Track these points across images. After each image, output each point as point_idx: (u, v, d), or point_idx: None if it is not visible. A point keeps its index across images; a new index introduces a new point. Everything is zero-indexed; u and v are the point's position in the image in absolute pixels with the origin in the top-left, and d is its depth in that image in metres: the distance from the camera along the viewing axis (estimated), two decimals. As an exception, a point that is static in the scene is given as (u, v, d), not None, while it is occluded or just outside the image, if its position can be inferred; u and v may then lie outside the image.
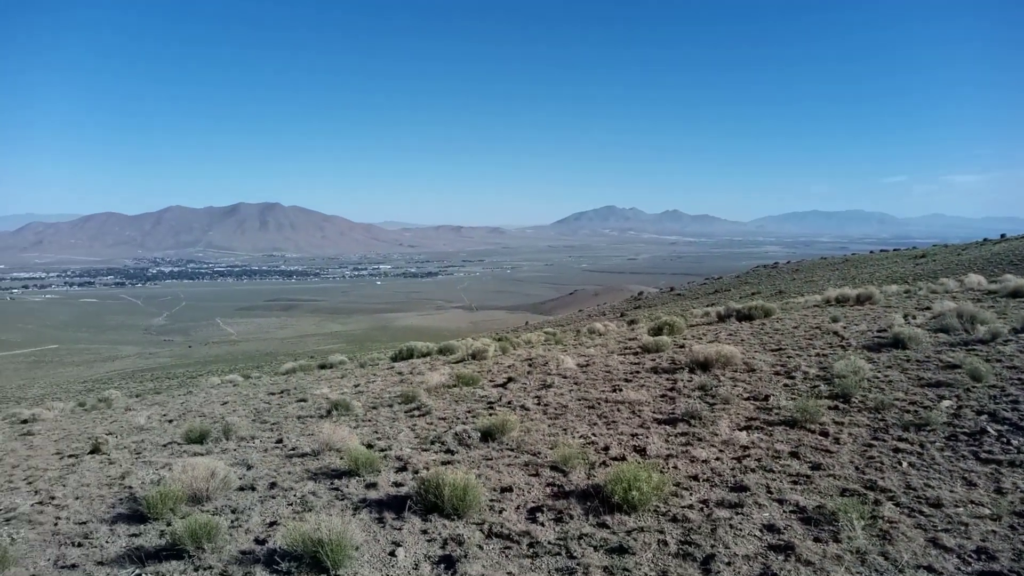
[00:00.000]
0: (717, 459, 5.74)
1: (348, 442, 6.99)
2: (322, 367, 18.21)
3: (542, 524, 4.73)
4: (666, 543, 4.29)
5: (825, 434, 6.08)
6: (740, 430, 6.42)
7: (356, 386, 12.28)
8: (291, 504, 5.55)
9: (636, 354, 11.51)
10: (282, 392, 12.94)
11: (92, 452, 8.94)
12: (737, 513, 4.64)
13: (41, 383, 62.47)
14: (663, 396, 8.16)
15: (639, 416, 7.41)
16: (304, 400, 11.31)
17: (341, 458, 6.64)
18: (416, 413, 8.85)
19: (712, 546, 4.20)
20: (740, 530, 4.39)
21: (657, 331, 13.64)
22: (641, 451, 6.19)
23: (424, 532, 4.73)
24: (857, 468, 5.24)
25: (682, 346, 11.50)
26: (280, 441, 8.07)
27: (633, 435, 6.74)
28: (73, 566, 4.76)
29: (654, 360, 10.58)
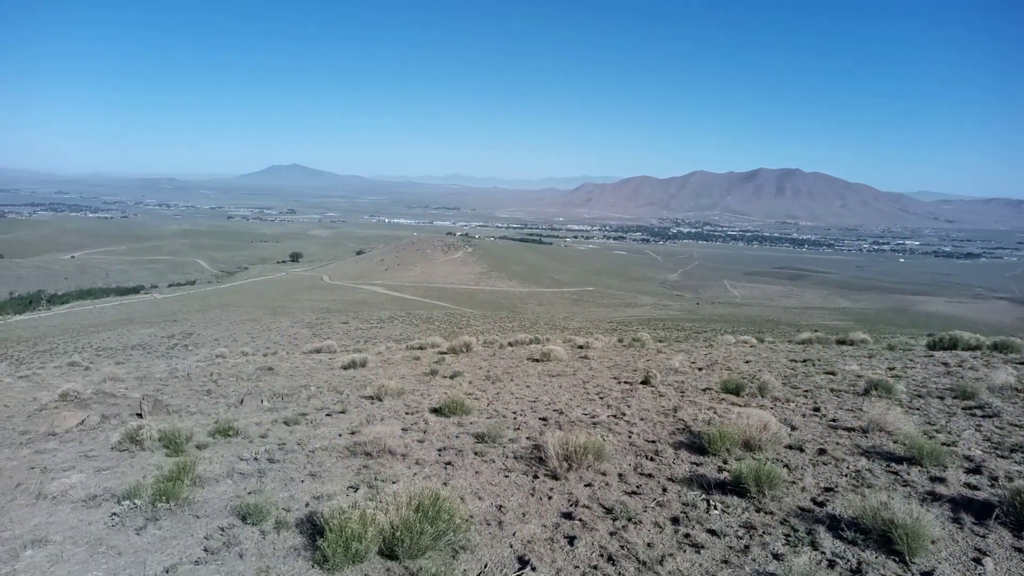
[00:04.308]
0: None
1: (901, 427, 6.48)
2: (840, 342, 17.21)
3: None
4: None
5: None
6: None
7: (891, 368, 11.24)
8: (845, 475, 5.44)
9: None
10: (804, 361, 12.73)
11: (643, 383, 10.40)
12: None
13: (579, 317, 75.49)
14: None
15: None
16: (832, 373, 10.90)
17: (894, 441, 6.20)
18: (979, 412, 7.60)
19: None
20: None
21: None
22: None
23: (1017, 550, 4.07)
24: None
25: None
26: (817, 409, 7.98)
27: None
28: (650, 475, 5.64)
29: None
